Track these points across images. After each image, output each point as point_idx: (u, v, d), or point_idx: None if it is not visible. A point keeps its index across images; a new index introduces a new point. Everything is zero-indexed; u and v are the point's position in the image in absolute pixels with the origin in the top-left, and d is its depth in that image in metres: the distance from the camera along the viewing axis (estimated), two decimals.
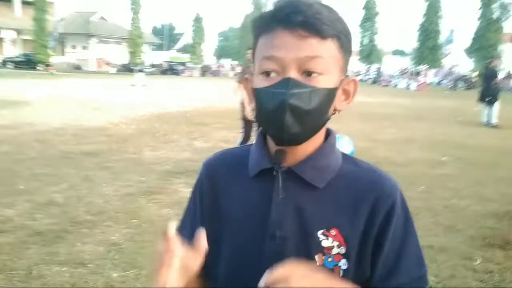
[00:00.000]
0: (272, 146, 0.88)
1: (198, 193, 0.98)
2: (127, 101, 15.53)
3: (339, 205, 0.85)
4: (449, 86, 29.72)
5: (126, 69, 42.67)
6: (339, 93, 0.84)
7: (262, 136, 0.92)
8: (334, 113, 0.87)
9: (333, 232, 0.84)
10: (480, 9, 36.53)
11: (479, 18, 36.58)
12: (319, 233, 0.84)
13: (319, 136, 0.87)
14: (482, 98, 12.23)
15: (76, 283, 3.03)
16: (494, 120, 11.86)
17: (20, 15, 42.22)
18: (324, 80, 0.80)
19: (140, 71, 30.09)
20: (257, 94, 0.82)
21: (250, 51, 1.05)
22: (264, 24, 0.83)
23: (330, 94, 0.81)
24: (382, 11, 45.29)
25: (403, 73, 41.97)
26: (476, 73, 33.31)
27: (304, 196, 0.86)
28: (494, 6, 35.37)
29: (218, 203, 0.93)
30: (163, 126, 10.10)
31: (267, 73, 0.80)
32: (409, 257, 0.85)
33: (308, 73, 0.79)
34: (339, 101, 0.85)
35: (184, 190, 5.22)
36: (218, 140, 8.56)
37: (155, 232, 3.91)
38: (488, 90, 12.05)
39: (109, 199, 4.79)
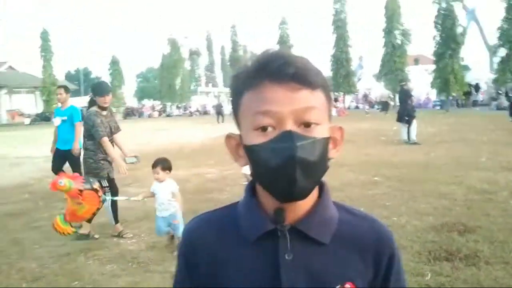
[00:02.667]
0: (268, 204, 0.84)
1: (185, 268, 0.91)
2: (47, 154, 14.63)
3: (346, 258, 0.85)
4: (367, 109, 31.44)
5: (42, 118, 40.61)
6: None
7: (251, 195, 0.88)
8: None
9: (348, 286, 0.83)
10: (383, 37, 39.39)
11: (383, 46, 39.37)
12: None
13: (315, 188, 0.85)
14: (400, 118, 13.02)
15: None
16: (414, 138, 12.64)
17: None
18: (321, 130, 0.79)
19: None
20: (255, 151, 0.79)
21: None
22: (248, 79, 0.81)
23: (327, 143, 0.81)
24: (295, 43, 47.22)
25: None
26: (390, 95, 35.65)
27: (313, 254, 0.84)
28: (396, 32, 38.31)
29: (215, 275, 0.86)
30: None
31: (263, 129, 0.78)
32: None
33: (306, 124, 0.78)
34: (329, 150, 0.84)
35: (125, 242, 4.96)
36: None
37: None
38: (405, 110, 12.89)
39: (44, 262, 4.40)
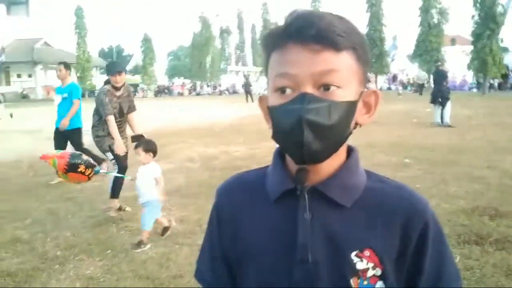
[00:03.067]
0: (293, 166, 0.84)
1: (216, 224, 0.93)
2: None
3: (369, 224, 0.82)
4: (400, 90, 30.81)
5: None
6: (359, 106, 0.81)
7: (280, 157, 0.88)
8: (355, 128, 0.84)
9: (367, 253, 0.80)
10: (419, 16, 38.19)
11: (419, 25, 38.21)
12: (353, 254, 0.80)
13: (341, 153, 0.84)
14: (434, 100, 12.70)
15: None
16: (448, 120, 12.34)
17: None
18: (343, 94, 0.76)
19: None
20: (273, 113, 0.79)
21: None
22: (275, 40, 0.80)
23: (350, 107, 0.78)
24: None
25: None
26: (422, 76, 34.70)
27: (332, 216, 0.82)
28: (433, 11, 37.07)
29: (239, 232, 0.89)
30: None
31: (282, 90, 0.77)
32: (449, 274, 0.84)
33: (326, 87, 0.75)
34: (360, 114, 0.82)
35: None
36: (182, 160, 8.43)
37: (132, 261, 3.76)
38: (439, 91, 12.55)
39: (77, 232, 4.57)
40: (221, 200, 0.94)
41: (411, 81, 39.68)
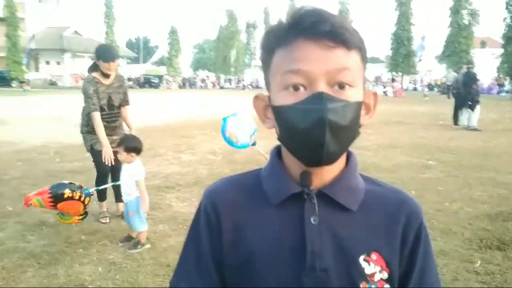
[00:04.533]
0: (295, 168, 0.82)
1: (206, 230, 0.85)
2: None
3: (374, 227, 0.82)
4: (426, 91, 30.32)
5: None
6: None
7: (279, 159, 0.86)
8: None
9: (374, 256, 0.79)
10: (449, 16, 37.47)
11: (449, 26, 37.49)
12: (361, 259, 0.79)
13: (343, 156, 0.82)
14: (463, 103, 12.42)
15: None
16: (474, 123, 12.12)
17: None
18: (355, 93, 0.76)
19: None
20: (283, 113, 0.76)
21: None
22: (281, 36, 0.77)
23: (359, 108, 0.78)
24: (355, 19, 46.02)
25: (377, 80, 42.85)
26: (447, 78, 34.11)
27: (339, 220, 0.81)
28: (464, 12, 36.33)
29: (239, 236, 0.83)
30: (147, 140, 9.93)
31: (294, 88, 0.74)
32: (431, 274, 0.85)
33: (340, 86, 0.74)
34: (361, 115, 0.80)
35: (177, 205, 5.17)
36: (205, 152, 8.51)
37: (153, 249, 3.84)
38: (469, 94, 12.29)
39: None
40: (213, 202, 0.86)
41: (438, 82, 38.98)
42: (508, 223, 4.45)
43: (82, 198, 3.92)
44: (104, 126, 4.44)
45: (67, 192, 3.86)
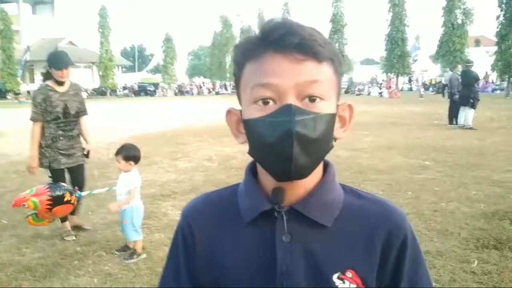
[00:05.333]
0: (267, 184, 0.80)
1: (183, 249, 0.86)
2: (102, 126, 15.30)
3: (350, 244, 0.79)
4: (421, 92, 30.39)
5: (98, 93, 42.25)
6: (336, 119, 0.79)
7: (252, 174, 0.85)
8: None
9: (349, 274, 0.77)
10: (442, 16, 37.63)
11: (442, 25, 37.64)
12: (335, 277, 0.77)
13: (319, 168, 0.80)
14: (465, 101, 12.31)
15: None
16: (470, 122, 12.13)
17: None
18: (326, 106, 0.74)
19: None
20: (253, 126, 0.74)
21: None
22: (250, 49, 0.76)
23: (332, 120, 0.76)
24: (349, 22, 46.07)
25: (373, 81, 42.98)
26: (443, 78, 34.25)
27: (312, 237, 0.78)
28: (457, 11, 36.50)
29: (212, 257, 0.83)
30: (143, 149, 9.86)
31: (264, 102, 0.73)
32: (423, 279, 0.83)
33: (311, 99, 0.72)
34: (336, 128, 0.78)
35: (173, 213, 5.15)
36: (201, 159, 8.49)
37: (149, 258, 3.82)
38: (471, 92, 12.25)
39: (97, 228, 4.66)
40: (189, 223, 0.87)
41: (433, 82, 39.10)
42: (505, 222, 4.44)
43: (75, 202, 3.96)
44: (61, 135, 4.36)
45: (67, 196, 3.85)
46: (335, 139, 0.79)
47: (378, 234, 0.79)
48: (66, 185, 4.07)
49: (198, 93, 47.73)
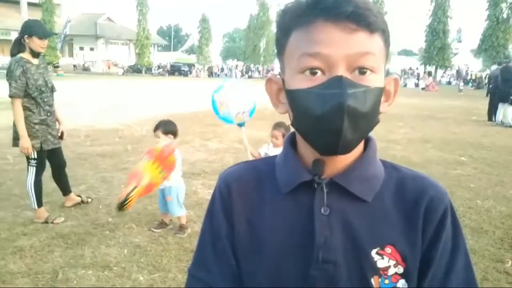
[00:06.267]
0: (308, 156, 0.78)
1: (222, 213, 0.83)
2: (137, 103, 15.55)
3: (390, 219, 0.76)
4: (461, 86, 29.51)
5: (134, 70, 42.88)
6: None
7: (291, 145, 0.83)
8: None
9: (388, 250, 0.75)
10: (487, 9, 36.30)
11: (486, 19, 36.33)
12: (373, 252, 0.75)
13: (361, 143, 0.77)
14: (504, 98, 11.90)
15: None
16: (510, 120, 11.71)
17: (27, 16, 42.48)
18: (376, 79, 0.71)
19: None
20: (299, 97, 0.71)
21: None
22: (298, 16, 0.71)
23: (381, 94, 0.73)
24: (389, 10, 44.90)
25: (411, 73, 41.96)
26: (486, 73, 33.14)
27: (351, 211, 0.76)
28: (503, 5, 35.11)
29: (251, 225, 0.81)
30: None
31: (312, 72, 0.69)
32: (457, 272, 0.76)
33: (361, 71, 0.69)
34: (381, 102, 0.75)
35: (203, 191, 5.20)
36: (232, 141, 8.52)
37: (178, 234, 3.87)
38: (511, 88, 11.82)
39: None
40: (228, 186, 0.85)
41: (473, 77, 37.90)
42: None
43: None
44: (48, 111, 4.05)
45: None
46: (380, 113, 0.75)
47: (419, 209, 0.76)
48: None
49: (227, 75, 47.82)
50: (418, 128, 11.02)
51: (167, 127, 3.97)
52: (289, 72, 0.74)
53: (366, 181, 0.77)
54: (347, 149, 0.72)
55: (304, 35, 0.70)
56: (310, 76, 0.70)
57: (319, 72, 0.69)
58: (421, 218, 0.76)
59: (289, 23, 0.73)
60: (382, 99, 0.75)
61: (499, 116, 12.04)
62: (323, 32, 0.68)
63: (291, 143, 0.83)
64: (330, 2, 0.68)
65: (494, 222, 4.32)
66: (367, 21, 0.68)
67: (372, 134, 0.79)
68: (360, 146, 0.78)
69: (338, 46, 0.68)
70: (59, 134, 4.30)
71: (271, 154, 3.79)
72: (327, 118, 0.67)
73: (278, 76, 0.80)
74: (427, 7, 40.11)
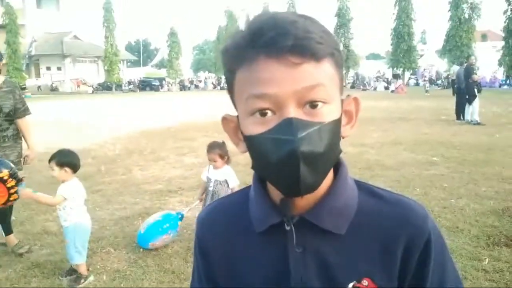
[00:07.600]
0: (276, 194, 0.75)
1: (201, 257, 0.86)
2: (108, 121, 15.33)
3: (366, 250, 0.74)
4: (427, 87, 30.22)
5: (104, 87, 42.31)
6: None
7: (260, 183, 0.79)
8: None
9: (365, 282, 0.73)
10: (449, 11, 37.41)
11: (449, 20, 37.43)
12: (350, 286, 0.73)
13: (329, 172, 0.73)
14: (469, 97, 12.25)
15: None
16: (476, 117, 12.05)
17: None
18: (330, 110, 0.67)
19: None
20: (254, 143, 0.68)
21: None
22: (239, 55, 0.67)
23: (338, 125, 0.69)
24: (355, 16, 45.81)
25: (379, 76, 42.75)
26: (450, 72, 34.06)
27: (325, 247, 0.74)
28: (464, 6, 36.26)
29: (229, 266, 0.82)
30: (149, 144, 9.96)
31: (261, 113, 0.66)
32: (451, 282, 0.77)
33: (313, 105, 0.65)
34: (342, 126, 0.72)
35: (181, 209, 5.12)
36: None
37: (158, 255, 3.81)
38: (467, 88, 12.23)
39: (105, 224, 4.65)
40: (203, 232, 0.86)
41: (441, 77, 38.86)
42: None
43: (12, 190, 3.06)
44: None
45: (5, 173, 2.99)
46: (343, 137, 0.73)
47: (398, 240, 0.73)
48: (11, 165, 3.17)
49: (197, 87, 47.76)
50: (390, 131, 11.22)
51: (62, 158, 3.27)
52: (241, 113, 0.71)
53: (338, 213, 0.74)
54: (310, 191, 0.68)
55: (248, 75, 0.67)
56: (260, 118, 0.66)
57: (269, 113, 0.66)
58: (402, 248, 0.74)
59: (232, 62, 0.70)
60: (344, 121, 0.72)
61: (467, 115, 12.37)
62: (266, 70, 0.64)
63: (259, 178, 0.79)
64: (268, 38, 0.64)
65: (469, 221, 4.41)
66: (311, 51, 0.64)
67: (344, 142, 0.75)
68: (330, 175, 0.74)
69: (284, 84, 0.64)
70: (21, 159, 4.06)
71: (213, 177, 3.97)
72: (283, 164, 0.64)
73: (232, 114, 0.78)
74: (392, 10, 41.11)
